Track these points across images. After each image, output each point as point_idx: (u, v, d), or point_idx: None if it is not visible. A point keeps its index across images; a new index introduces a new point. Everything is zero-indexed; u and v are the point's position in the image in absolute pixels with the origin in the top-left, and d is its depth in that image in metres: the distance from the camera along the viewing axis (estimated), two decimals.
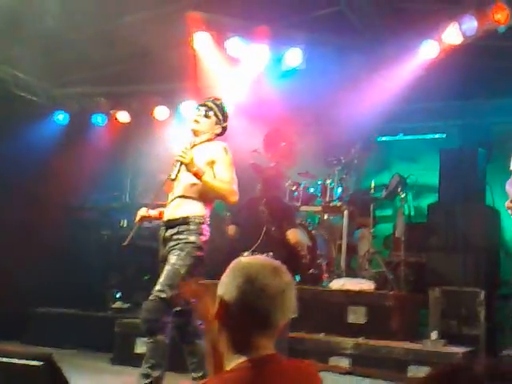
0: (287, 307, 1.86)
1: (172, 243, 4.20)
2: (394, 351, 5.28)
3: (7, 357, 2.55)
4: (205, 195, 4.27)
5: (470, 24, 5.89)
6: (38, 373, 2.46)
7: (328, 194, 7.20)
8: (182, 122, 7.98)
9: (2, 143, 7.37)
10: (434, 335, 5.49)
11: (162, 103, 8.46)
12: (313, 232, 6.92)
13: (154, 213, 4.52)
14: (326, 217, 7.48)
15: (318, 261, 6.78)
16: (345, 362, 5.29)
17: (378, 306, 5.85)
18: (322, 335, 5.74)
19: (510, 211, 4.24)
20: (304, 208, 7.27)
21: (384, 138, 8.31)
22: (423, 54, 6.46)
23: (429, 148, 7.74)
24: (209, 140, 4.43)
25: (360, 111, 6.94)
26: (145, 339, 4.19)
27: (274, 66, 7.11)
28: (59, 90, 8.41)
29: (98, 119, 8.78)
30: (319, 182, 7.33)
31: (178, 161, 4.12)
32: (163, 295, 4.02)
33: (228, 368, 1.83)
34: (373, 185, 7.29)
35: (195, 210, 4.25)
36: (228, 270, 1.91)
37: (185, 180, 4.26)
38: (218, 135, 4.51)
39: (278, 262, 1.93)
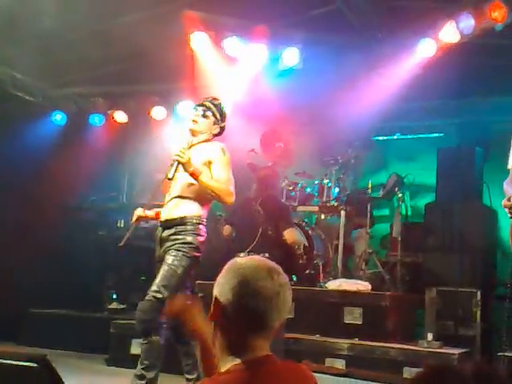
0: (283, 308, 1.85)
1: (169, 243, 4.19)
2: (390, 352, 5.28)
3: (1, 358, 2.54)
4: (202, 195, 4.26)
5: (468, 22, 5.89)
6: (32, 374, 2.44)
7: (325, 194, 7.19)
8: (179, 121, 7.97)
9: (0, 143, 7.35)
10: (430, 336, 5.48)
11: (159, 103, 8.45)
12: (309, 232, 6.91)
13: (150, 213, 4.51)
14: (323, 217, 7.46)
15: (315, 261, 6.76)
16: (340, 363, 5.28)
17: (375, 306, 5.84)
18: (317, 336, 5.74)
19: (506, 210, 4.22)
20: (301, 208, 7.26)
21: (381, 138, 8.30)
22: (420, 53, 6.45)
23: (426, 147, 7.71)
24: (207, 140, 4.43)
25: (357, 110, 6.92)
26: (140, 340, 4.18)
27: (272, 65, 7.10)
28: (56, 90, 8.38)
29: (96, 119, 8.78)
30: (316, 182, 7.33)
31: (175, 160, 4.11)
32: (159, 295, 4.01)
33: (223, 369, 1.83)
34: (370, 184, 7.27)
35: (192, 210, 4.24)
36: (224, 271, 1.90)
37: (182, 180, 4.25)
38: (216, 135, 4.50)
39: (273, 263, 1.92)
